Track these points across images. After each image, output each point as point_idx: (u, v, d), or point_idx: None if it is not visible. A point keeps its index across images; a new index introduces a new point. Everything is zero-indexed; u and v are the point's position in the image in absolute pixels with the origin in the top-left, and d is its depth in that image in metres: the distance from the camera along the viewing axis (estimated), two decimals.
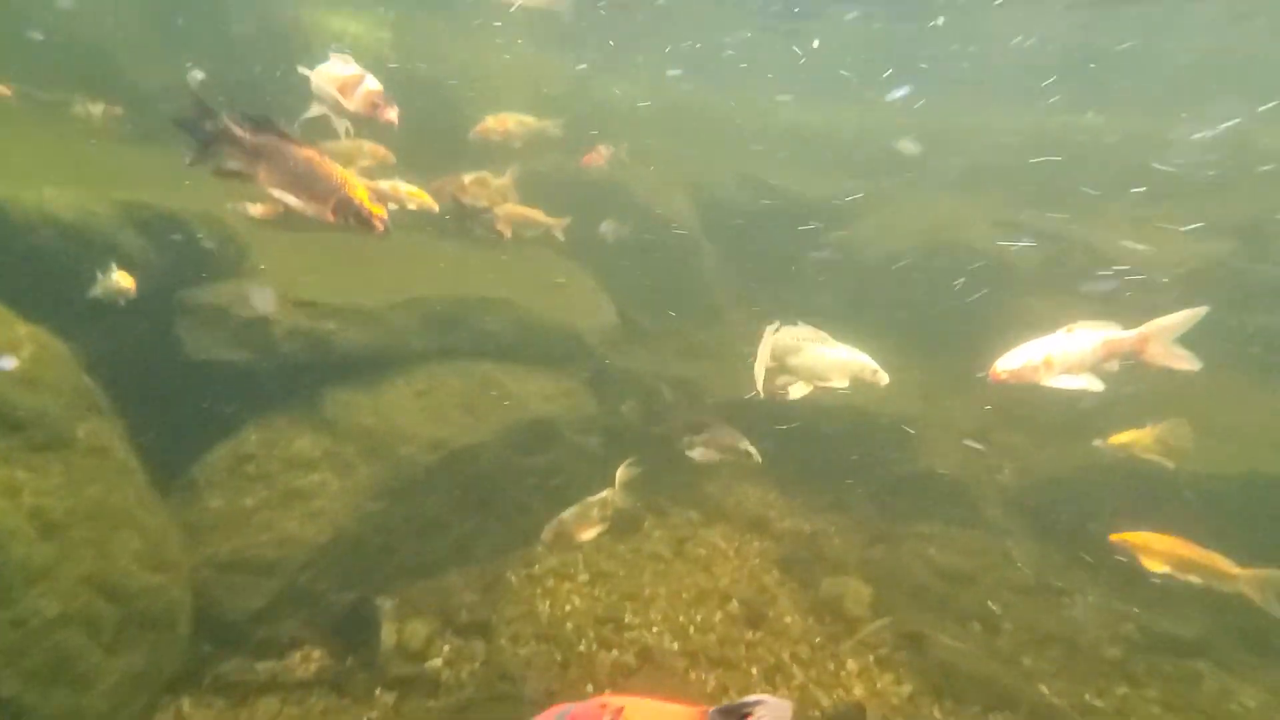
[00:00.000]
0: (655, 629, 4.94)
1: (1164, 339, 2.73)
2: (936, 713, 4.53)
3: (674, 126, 10.90)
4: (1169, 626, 5.17)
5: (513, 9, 7.21)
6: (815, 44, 12.04)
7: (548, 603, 5.09)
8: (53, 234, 4.50)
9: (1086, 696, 4.70)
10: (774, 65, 14.33)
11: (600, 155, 8.16)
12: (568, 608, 5.07)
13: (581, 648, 4.72)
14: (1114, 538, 4.33)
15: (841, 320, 8.96)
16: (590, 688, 4.43)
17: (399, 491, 4.87)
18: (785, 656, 4.86)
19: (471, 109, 9.03)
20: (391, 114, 2.80)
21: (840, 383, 3.30)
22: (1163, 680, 4.85)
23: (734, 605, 5.28)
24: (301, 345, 4.91)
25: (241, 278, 5.18)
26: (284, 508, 4.59)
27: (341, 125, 3.09)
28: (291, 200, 2.50)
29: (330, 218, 2.51)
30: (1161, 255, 8.41)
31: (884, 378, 3.46)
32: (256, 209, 5.35)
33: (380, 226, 2.49)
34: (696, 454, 4.82)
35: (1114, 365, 2.77)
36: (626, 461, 4.67)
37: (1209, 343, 2.84)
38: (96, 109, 6.45)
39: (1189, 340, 2.79)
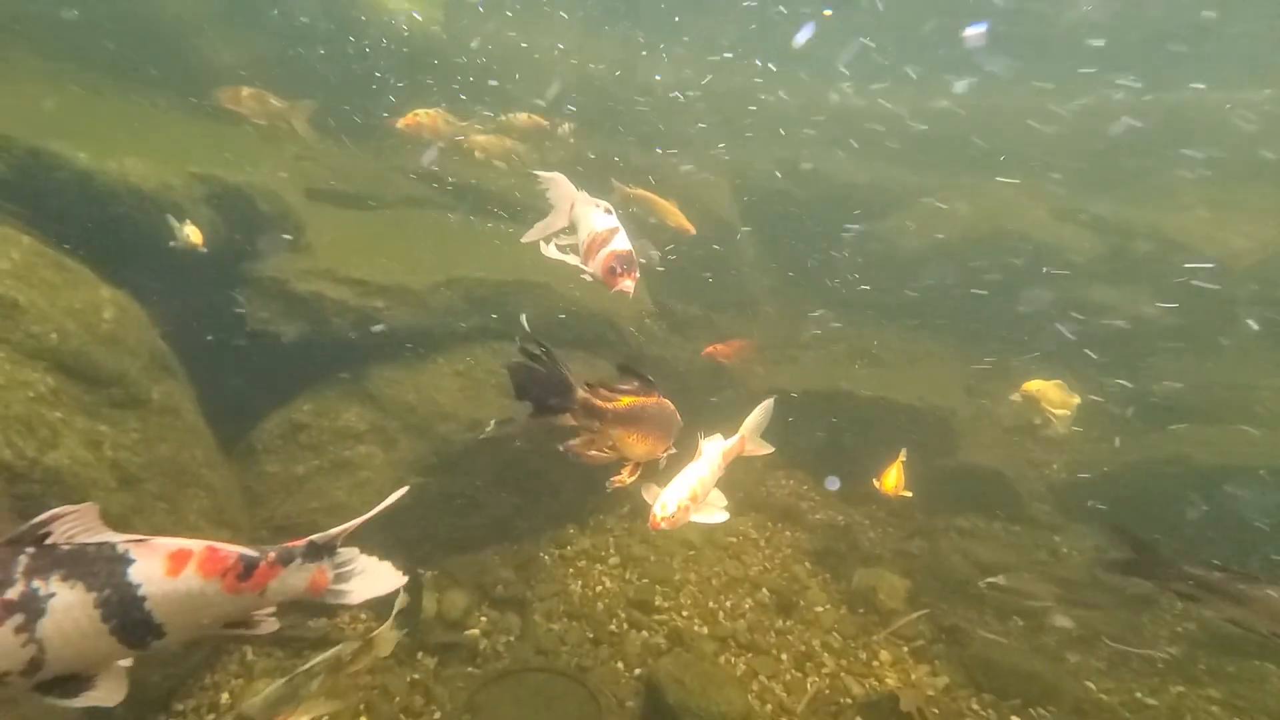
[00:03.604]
0: (685, 613, 5.00)
1: (754, 435, 3.14)
2: (974, 705, 4.47)
3: (716, 110, 10.72)
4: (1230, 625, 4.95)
5: None
6: (827, 12, 11.60)
7: (579, 583, 5.20)
8: (133, 203, 4.73)
9: (1138, 694, 4.55)
10: (823, 48, 13.91)
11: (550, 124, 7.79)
12: (599, 589, 5.17)
13: (612, 627, 4.82)
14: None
15: (883, 310, 8.86)
16: (620, 665, 4.52)
17: (438, 468, 5.02)
18: (816, 644, 4.86)
19: (517, 91, 9.11)
20: (627, 284, 2.52)
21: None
22: (1225, 680, 4.65)
23: (764, 593, 5.29)
24: (351, 321, 5.08)
25: (298, 252, 5.38)
26: (333, 477, 4.80)
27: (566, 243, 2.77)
28: (636, 454, 2.42)
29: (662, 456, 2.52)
30: (1234, 241, 7.94)
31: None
32: None
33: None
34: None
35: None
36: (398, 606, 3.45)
37: None
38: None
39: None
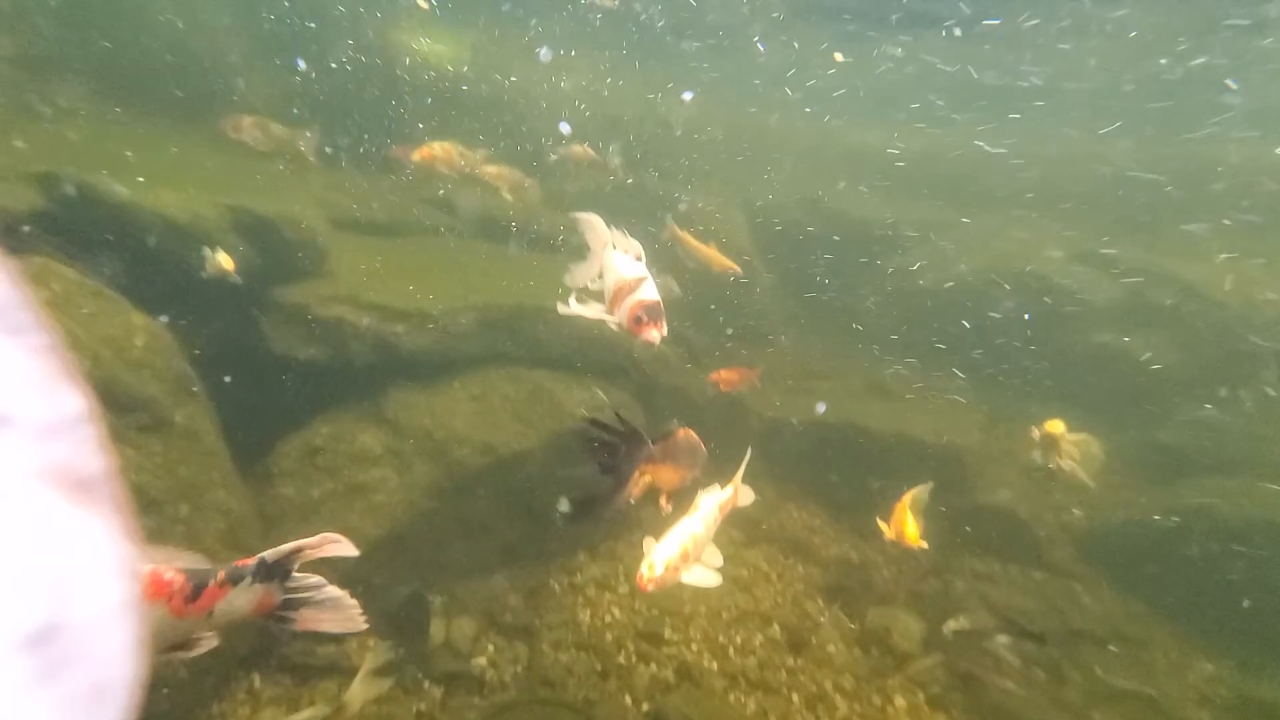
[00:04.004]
0: (694, 647, 4.91)
1: (741, 486, 3.18)
2: None
3: (732, 147, 10.95)
4: (1269, 693, 4.77)
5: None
6: (838, 56, 11.93)
7: (588, 612, 5.14)
8: (167, 233, 4.96)
9: None
10: (848, 87, 14.26)
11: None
12: (608, 618, 5.10)
13: (620, 659, 4.74)
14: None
15: (896, 343, 8.85)
16: (628, 699, 4.44)
17: (451, 492, 5.04)
18: (828, 686, 4.74)
19: (540, 126, 9.39)
20: (653, 335, 2.47)
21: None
22: None
23: (775, 629, 5.19)
24: (370, 346, 5.18)
25: (321, 279, 5.53)
26: (347, 500, 4.83)
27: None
28: (670, 484, 2.53)
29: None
30: (1256, 292, 7.87)
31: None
32: None
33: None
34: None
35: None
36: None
37: None
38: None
39: None
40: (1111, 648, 5.26)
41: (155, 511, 3.70)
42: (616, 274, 2.60)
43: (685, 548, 2.70)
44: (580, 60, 11.26)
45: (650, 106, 10.96)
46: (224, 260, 4.84)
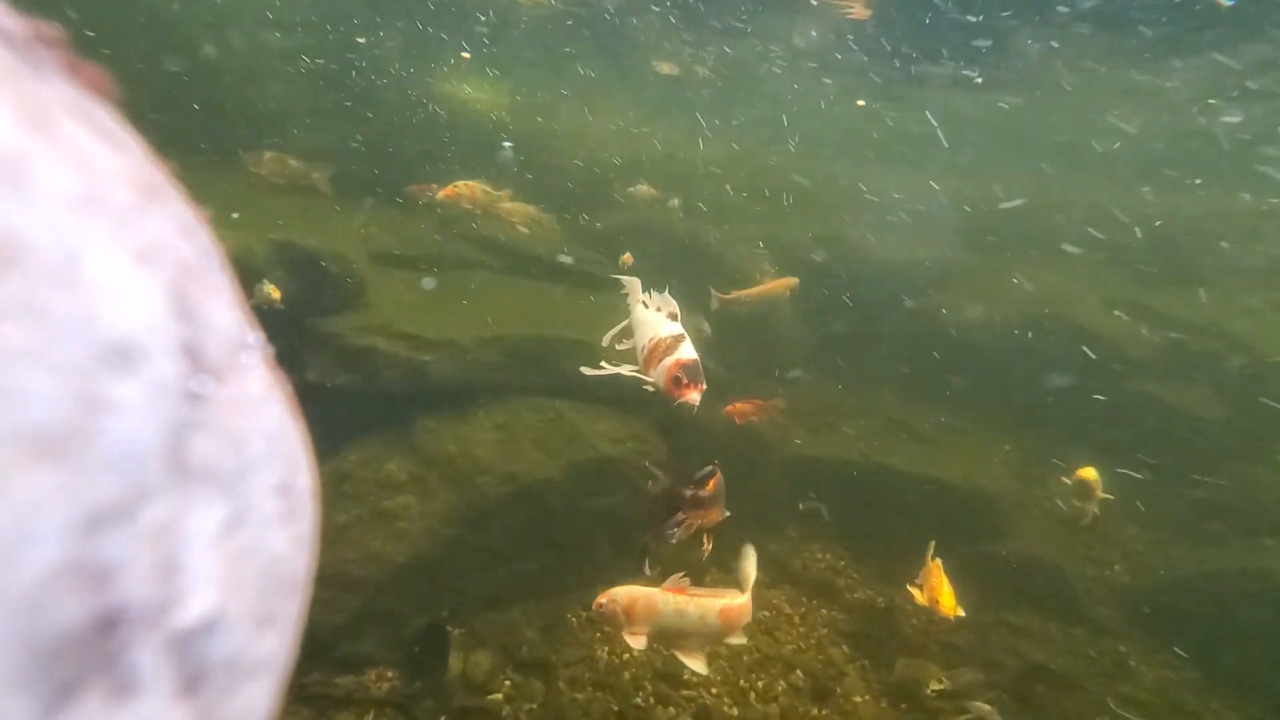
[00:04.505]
0: (714, 690, 4.78)
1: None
2: None
3: (759, 191, 11.15)
4: None
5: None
6: (860, 102, 12.25)
7: (606, 649, 5.05)
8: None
9: None
10: (879, 133, 14.50)
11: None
12: (626, 656, 5.00)
13: (638, 700, 4.63)
14: None
15: (924, 386, 8.72)
16: None
17: (473, 520, 5.07)
18: None
19: (576, 171, 9.75)
20: (694, 397, 2.34)
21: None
22: None
23: (798, 675, 5.02)
24: (400, 374, 5.32)
25: (358, 310, 5.74)
26: (371, 526, 4.90)
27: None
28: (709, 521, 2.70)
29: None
30: None
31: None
32: None
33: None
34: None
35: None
36: None
37: None
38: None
39: None
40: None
41: None
42: (651, 331, 2.48)
43: (640, 605, 2.74)
44: (616, 105, 11.70)
45: (676, 147, 11.28)
46: (271, 290, 5.08)
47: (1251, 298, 8.56)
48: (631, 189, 9.21)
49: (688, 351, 2.39)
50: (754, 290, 7.35)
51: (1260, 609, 5.38)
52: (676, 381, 2.33)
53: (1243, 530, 6.29)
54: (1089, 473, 5.41)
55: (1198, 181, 11.66)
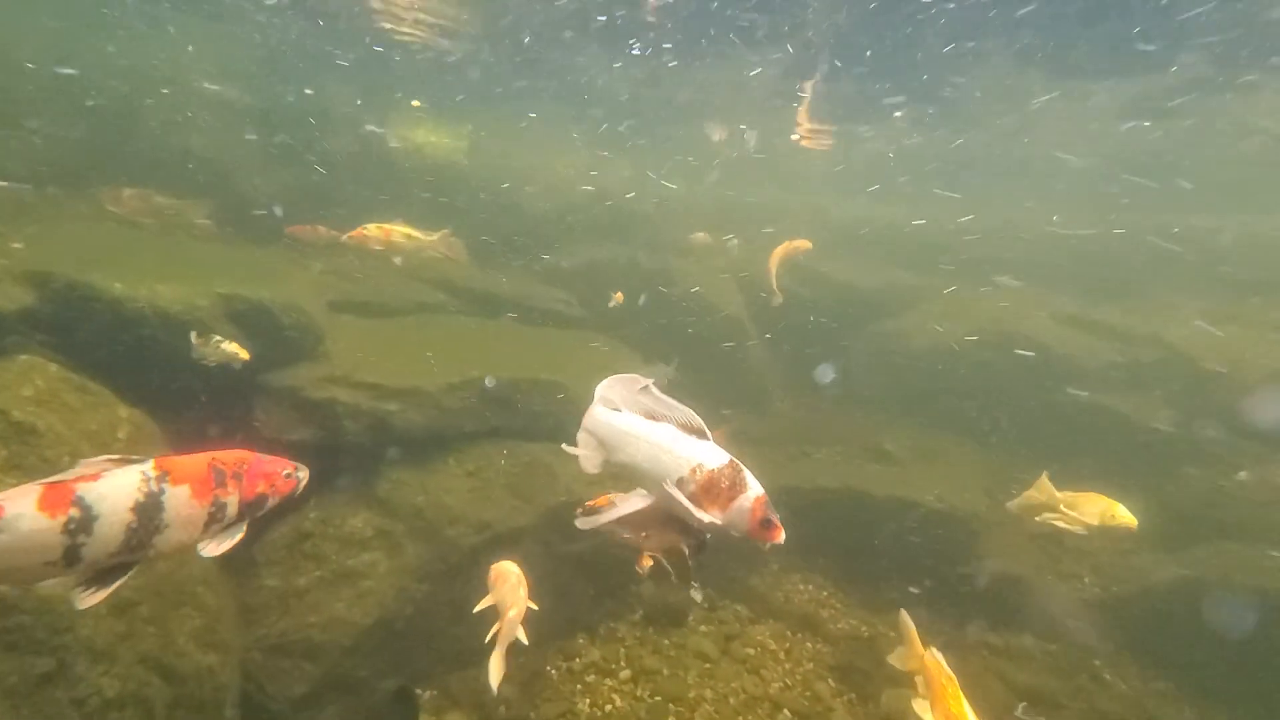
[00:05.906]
0: None
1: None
2: None
3: (724, 221, 11.35)
4: None
5: None
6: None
7: (587, 700, 4.86)
8: (160, 325, 4.93)
9: None
10: (828, 165, 14.96)
11: None
12: (608, 708, 4.82)
13: None
14: None
15: (892, 408, 8.85)
16: None
17: (443, 574, 4.87)
18: None
19: (534, 208, 9.78)
20: (780, 536, 1.89)
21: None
22: None
23: (785, 715, 4.90)
24: (364, 425, 5.14)
25: (315, 360, 5.54)
26: (334, 588, 4.66)
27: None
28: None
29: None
30: (1245, 353, 7.95)
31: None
32: None
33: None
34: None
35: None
36: None
37: None
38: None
39: None
40: None
41: (126, 614, 3.51)
42: (689, 460, 1.94)
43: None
44: (576, 144, 11.83)
45: (640, 184, 11.44)
46: (235, 348, 4.83)
47: (1184, 309, 9.01)
48: (690, 236, 10.06)
49: (756, 484, 1.92)
50: (776, 259, 7.67)
51: (1226, 615, 5.49)
52: (766, 525, 1.88)
53: (1204, 537, 6.46)
54: (1044, 485, 5.39)
55: (1125, 201, 12.33)
